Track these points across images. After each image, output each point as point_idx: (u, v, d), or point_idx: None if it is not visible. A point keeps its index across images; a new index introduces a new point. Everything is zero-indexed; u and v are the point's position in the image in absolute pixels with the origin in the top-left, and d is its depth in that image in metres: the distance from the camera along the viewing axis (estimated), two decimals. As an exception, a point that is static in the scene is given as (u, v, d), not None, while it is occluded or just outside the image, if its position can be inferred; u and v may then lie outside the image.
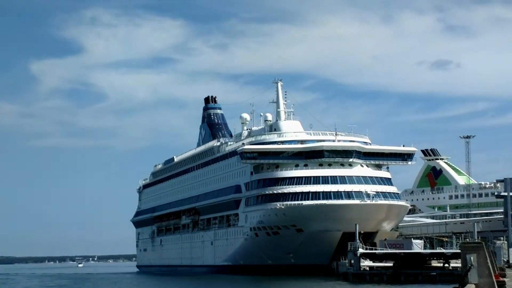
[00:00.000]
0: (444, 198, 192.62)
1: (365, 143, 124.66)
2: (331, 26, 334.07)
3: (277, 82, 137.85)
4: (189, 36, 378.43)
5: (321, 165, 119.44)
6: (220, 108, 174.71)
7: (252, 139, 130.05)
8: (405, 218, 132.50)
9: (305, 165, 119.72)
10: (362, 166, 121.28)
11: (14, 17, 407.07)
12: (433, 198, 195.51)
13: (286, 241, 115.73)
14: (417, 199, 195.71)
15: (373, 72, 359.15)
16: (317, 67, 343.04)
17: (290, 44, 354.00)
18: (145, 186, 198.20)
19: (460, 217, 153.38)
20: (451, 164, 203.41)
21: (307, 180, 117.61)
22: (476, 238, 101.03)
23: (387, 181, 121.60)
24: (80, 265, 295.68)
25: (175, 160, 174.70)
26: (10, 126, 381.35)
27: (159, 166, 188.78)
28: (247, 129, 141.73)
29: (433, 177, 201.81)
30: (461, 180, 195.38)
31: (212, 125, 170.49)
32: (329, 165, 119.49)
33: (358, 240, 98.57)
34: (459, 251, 60.49)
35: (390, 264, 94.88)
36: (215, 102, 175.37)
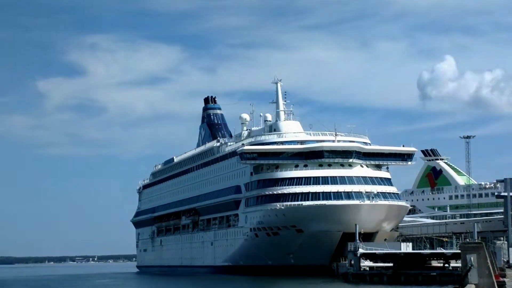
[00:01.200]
0: (444, 198, 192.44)
1: (365, 143, 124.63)
2: (313, 52, 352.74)
3: (276, 83, 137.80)
4: (181, 60, 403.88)
5: (321, 165, 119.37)
6: (220, 109, 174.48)
7: (252, 139, 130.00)
8: (405, 218, 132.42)
9: (305, 166, 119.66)
10: (362, 166, 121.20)
11: (21, 43, 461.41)
12: (433, 199, 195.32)
13: (286, 241, 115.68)
14: (417, 200, 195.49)
15: (353, 91, 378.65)
16: (301, 87, 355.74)
17: (273, 67, 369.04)
18: (145, 187, 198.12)
19: (460, 217, 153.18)
20: (451, 164, 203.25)
21: (307, 181, 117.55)
22: (476, 238, 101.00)
23: (387, 182, 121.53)
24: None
25: (175, 160, 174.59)
26: (23, 137, 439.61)
27: (159, 167, 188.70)
28: (247, 130, 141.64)
29: (433, 177, 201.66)
30: (461, 180, 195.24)
31: (212, 126, 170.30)
32: (329, 165, 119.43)
33: (358, 240, 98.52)
34: (459, 251, 60.50)
35: (390, 265, 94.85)
36: (215, 102, 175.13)
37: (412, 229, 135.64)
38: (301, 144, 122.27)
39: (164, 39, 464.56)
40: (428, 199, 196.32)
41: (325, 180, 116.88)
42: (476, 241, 73.20)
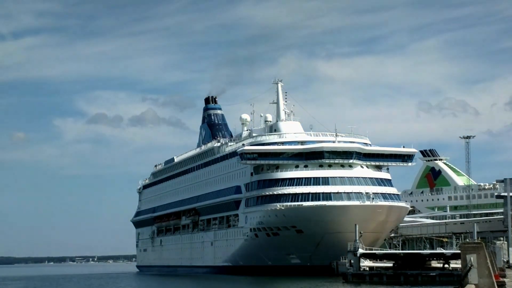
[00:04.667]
0: (443, 199, 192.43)
1: (365, 144, 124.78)
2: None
3: (277, 83, 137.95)
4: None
5: (321, 166, 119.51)
6: (220, 109, 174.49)
7: (252, 139, 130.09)
8: (405, 219, 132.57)
9: (305, 166, 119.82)
10: (362, 167, 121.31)
11: (45, 98, 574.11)
12: (432, 199, 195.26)
13: (286, 242, 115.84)
14: (416, 200, 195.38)
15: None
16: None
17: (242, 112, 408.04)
18: (145, 187, 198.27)
19: (460, 218, 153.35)
20: (450, 164, 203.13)
21: (307, 181, 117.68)
22: (476, 238, 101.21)
23: (387, 182, 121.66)
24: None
25: (175, 160, 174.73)
26: (50, 162, 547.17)
27: (159, 167, 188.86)
28: (247, 130, 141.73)
29: (432, 178, 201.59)
30: (460, 181, 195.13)
31: (212, 126, 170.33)
32: (329, 166, 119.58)
33: (358, 240, 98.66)
34: (459, 251, 60.65)
35: (390, 265, 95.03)
36: (215, 102, 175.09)
37: (412, 229, 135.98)
38: (302, 144, 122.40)
39: (156, 93, 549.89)
40: (427, 199, 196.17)
41: (325, 181, 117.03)
42: (476, 241, 73.34)
